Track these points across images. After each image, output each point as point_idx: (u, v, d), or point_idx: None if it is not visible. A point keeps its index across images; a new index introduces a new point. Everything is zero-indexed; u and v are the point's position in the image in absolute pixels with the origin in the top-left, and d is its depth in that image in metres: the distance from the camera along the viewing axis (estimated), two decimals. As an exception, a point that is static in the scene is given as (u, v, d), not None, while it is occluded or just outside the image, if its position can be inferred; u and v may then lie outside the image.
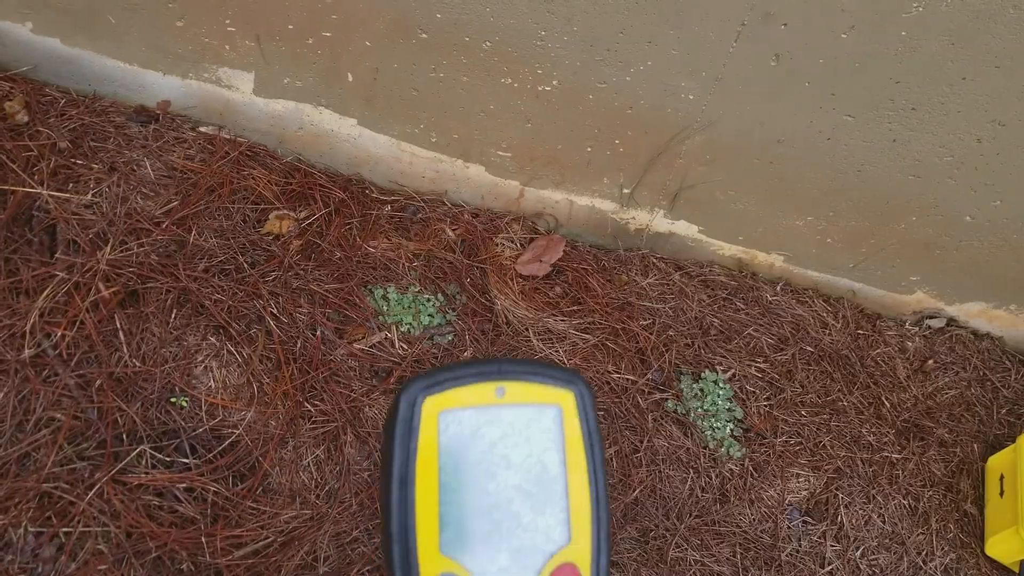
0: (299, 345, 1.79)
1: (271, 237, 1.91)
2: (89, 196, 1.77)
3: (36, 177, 1.74)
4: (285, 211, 1.94)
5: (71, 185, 1.77)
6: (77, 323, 1.63)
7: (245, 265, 1.83)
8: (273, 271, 1.85)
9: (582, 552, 0.51)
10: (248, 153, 1.98)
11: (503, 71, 1.82)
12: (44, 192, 1.73)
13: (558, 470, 0.52)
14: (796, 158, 2.00)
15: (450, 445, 0.50)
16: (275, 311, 1.80)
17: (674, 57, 1.78)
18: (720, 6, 1.67)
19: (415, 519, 0.49)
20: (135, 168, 1.85)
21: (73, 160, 1.80)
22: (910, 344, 2.47)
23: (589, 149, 2.01)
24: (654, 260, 2.32)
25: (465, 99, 1.89)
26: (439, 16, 1.71)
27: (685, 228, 2.26)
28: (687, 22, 1.71)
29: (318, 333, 1.82)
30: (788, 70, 1.79)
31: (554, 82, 1.85)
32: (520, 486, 0.51)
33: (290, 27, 1.75)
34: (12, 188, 1.70)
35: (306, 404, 1.73)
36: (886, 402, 2.29)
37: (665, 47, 1.76)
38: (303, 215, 1.96)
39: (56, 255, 1.68)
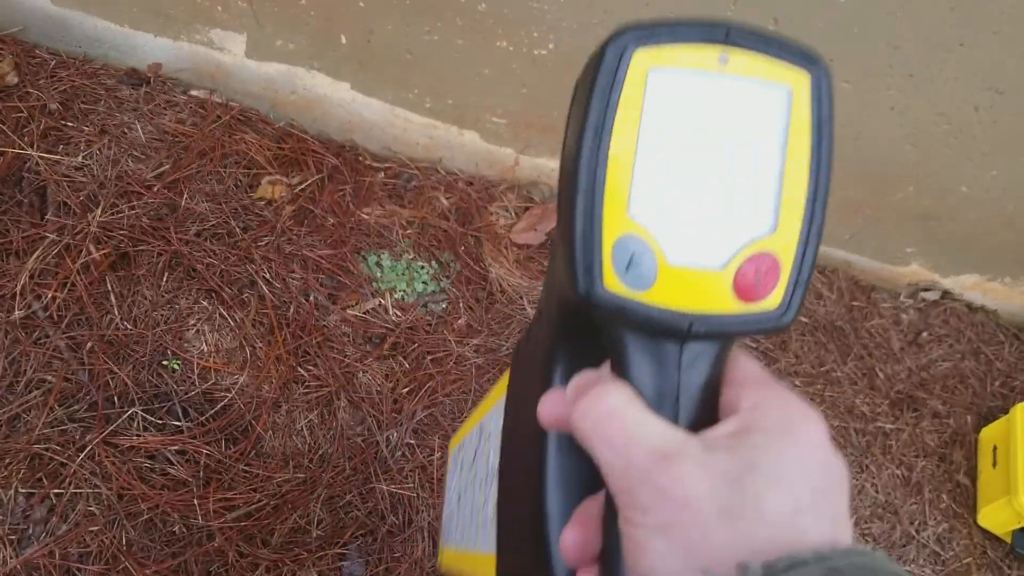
0: (292, 310, 1.78)
1: (263, 202, 1.89)
2: (80, 158, 1.75)
3: (26, 139, 1.72)
4: (277, 176, 1.92)
5: (61, 147, 1.76)
6: (68, 285, 1.61)
7: (237, 230, 1.82)
8: (266, 236, 1.84)
9: (786, 245, 0.45)
10: (240, 117, 1.96)
11: (498, 34, 1.80)
12: (34, 153, 1.71)
13: (777, 154, 0.45)
14: (793, 126, 1.98)
15: (657, 105, 0.44)
16: (268, 276, 1.79)
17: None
18: (718, -32, 1.66)
19: (606, 173, 0.43)
20: (126, 131, 1.83)
21: (63, 122, 1.78)
22: (904, 316, 2.47)
23: (585, 116, 2.00)
24: (649, 230, 2.31)
25: (459, 63, 1.87)
26: (434, -24, 1.69)
27: (681, 198, 2.24)
28: (685, -16, 1.69)
29: (311, 298, 1.81)
30: (786, 32, 1.77)
31: (551, 45, 1.83)
32: (731, 163, 0.44)
33: (283, -13, 1.73)
34: (2, 149, 1.68)
35: (299, 369, 1.72)
36: (880, 373, 2.29)
37: (663, 9, 1.74)
38: (296, 181, 1.94)
39: (46, 216, 1.67)
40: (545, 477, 0.51)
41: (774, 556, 0.37)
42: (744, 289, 0.44)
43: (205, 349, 1.67)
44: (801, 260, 0.45)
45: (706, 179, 0.44)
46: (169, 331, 1.66)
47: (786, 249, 0.45)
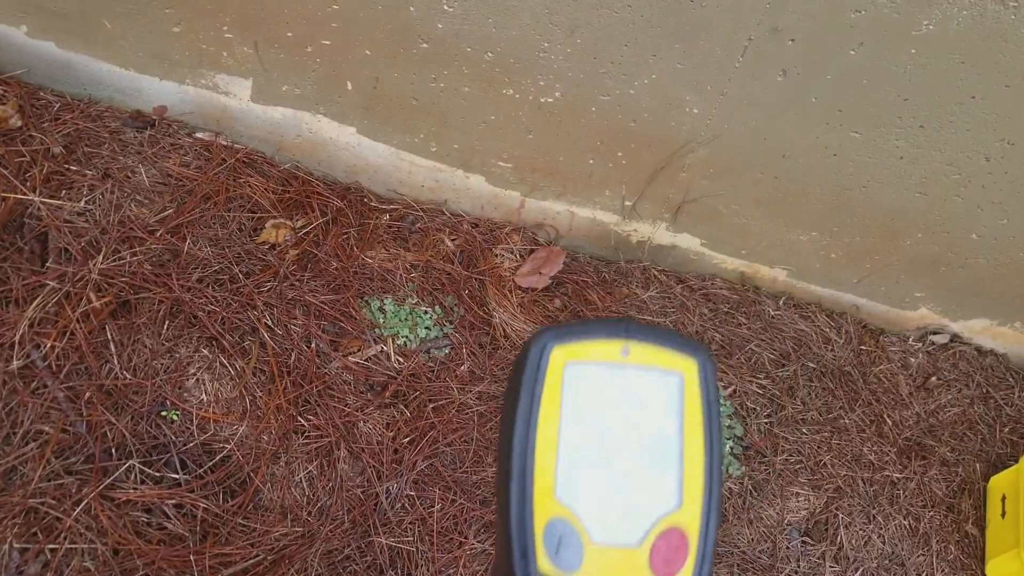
0: (293, 358, 1.76)
1: (267, 246, 1.88)
2: (82, 203, 1.74)
3: (28, 183, 1.71)
4: (281, 220, 1.91)
5: (64, 192, 1.75)
6: (67, 334, 1.60)
7: (240, 275, 1.80)
8: (268, 281, 1.83)
9: (691, 519, 0.51)
10: (245, 160, 1.95)
11: (504, 82, 1.79)
12: (36, 199, 1.70)
13: (675, 435, 0.52)
14: (801, 173, 1.97)
15: (573, 395, 0.51)
16: (269, 322, 1.77)
17: (678, 71, 1.75)
18: (727, 21, 1.64)
19: (534, 461, 0.50)
20: (130, 175, 1.82)
21: (67, 166, 1.78)
22: (913, 360, 2.44)
23: (591, 161, 1.99)
24: (655, 273, 2.29)
25: (466, 109, 1.86)
26: (440, 26, 1.68)
27: (687, 241, 2.23)
28: (693, 36, 1.68)
29: (313, 345, 1.79)
30: (795, 86, 1.76)
31: (556, 94, 1.82)
32: (637, 445, 0.51)
33: (289, 34, 1.72)
34: (3, 195, 1.68)
35: (299, 418, 1.71)
36: (888, 420, 2.26)
37: (669, 61, 1.73)
38: (300, 224, 1.93)
39: (47, 264, 1.66)
40: None
41: None
42: (658, 566, 0.51)
43: (204, 399, 1.66)
44: (706, 533, 0.52)
45: (619, 461, 0.51)
46: (169, 380, 1.64)
47: (691, 523, 0.51)
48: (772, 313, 2.33)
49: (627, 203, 2.11)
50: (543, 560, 0.49)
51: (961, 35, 1.62)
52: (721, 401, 2.10)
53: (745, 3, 1.61)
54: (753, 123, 1.86)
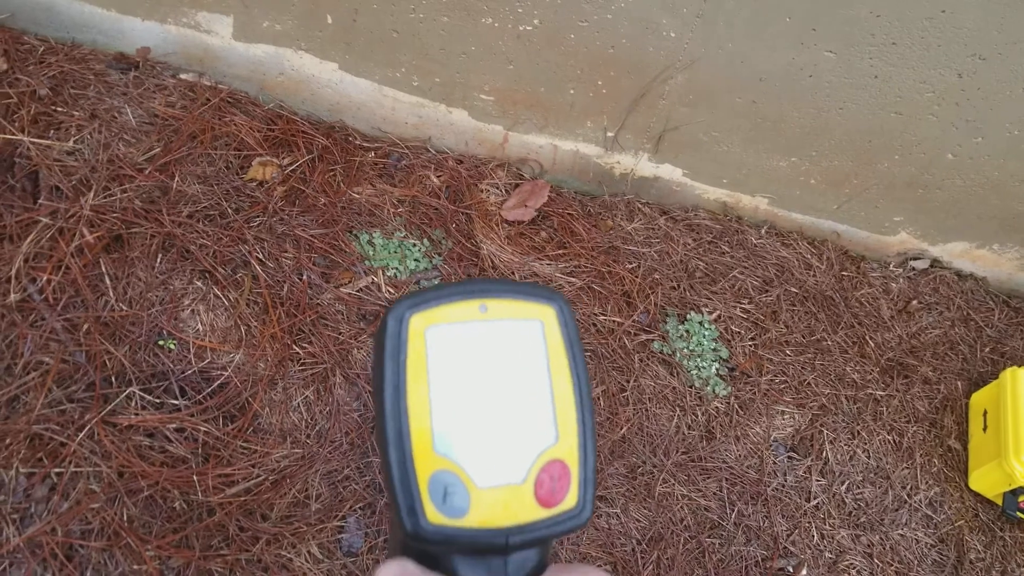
0: (286, 289, 1.79)
1: (254, 183, 1.90)
2: (71, 143, 1.76)
3: (17, 124, 1.73)
4: (268, 157, 1.93)
5: (52, 132, 1.77)
6: (62, 268, 1.63)
7: (229, 211, 1.83)
8: (257, 217, 1.85)
9: (569, 450, 0.54)
10: (229, 100, 1.97)
11: (483, 10, 1.81)
12: (25, 139, 1.72)
13: (543, 376, 0.54)
14: (778, 96, 2.00)
15: (439, 357, 0.53)
16: (261, 256, 1.81)
17: (654, -7, 1.78)
18: (699, -61, 1.67)
19: (409, 424, 0.51)
20: (116, 115, 1.84)
21: (54, 107, 1.80)
22: (894, 285, 2.49)
23: (572, 91, 2.01)
24: (639, 205, 2.33)
25: (445, 40, 1.88)
26: (418, -46, 1.70)
27: (670, 172, 2.26)
28: (667, -44, 1.70)
29: (304, 277, 1.83)
30: (770, 5, 1.79)
31: (535, 21, 1.84)
32: (508, 391, 0.53)
33: (268, -32, 1.74)
34: (-8, 135, 1.70)
35: (294, 347, 1.74)
36: (870, 341, 2.32)
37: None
38: (286, 162, 1.96)
39: (39, 201, 1.68)
40: None
41: None
42: (544, 497, 0.53)
43: (200, 329, 1.69)
44: (584, 460, 0.55)
45: (493, 408, 0.54)
46: (164, 312, 1.67)
47: (570, 453, 0.54)
48: (754, 241, 2.38)
49: (609, 134, 2.14)
50: (432, 512, 0.51)
51: (929, -54, 1.65)
52: (706, 324, 2.15)
53: (717, -80, 1.64)
54: (729, 46, 1.89)
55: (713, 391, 2.06)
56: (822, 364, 2.21)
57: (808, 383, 2.17)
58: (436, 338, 0.53)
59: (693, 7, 1.80)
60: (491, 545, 0.52)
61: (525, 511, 0.53)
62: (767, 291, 2.29)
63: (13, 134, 1.71)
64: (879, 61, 1.89)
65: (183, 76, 1.95)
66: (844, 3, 1.77)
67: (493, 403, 0.54)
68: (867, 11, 1.79)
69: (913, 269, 2.54)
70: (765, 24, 1.82)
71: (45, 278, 1.61)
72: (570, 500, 0.54)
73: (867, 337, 2.32)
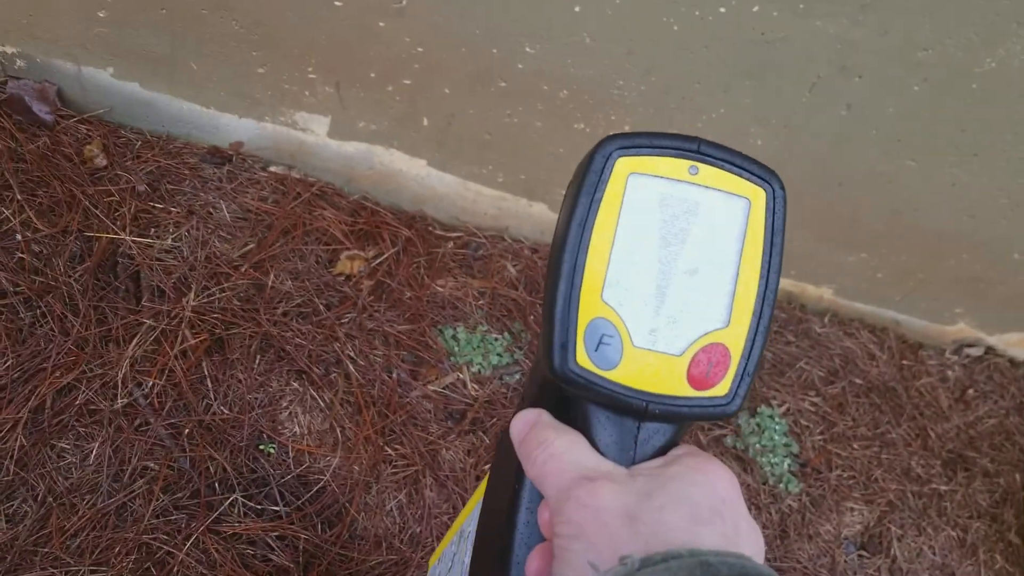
0: (377, 388, 1.81)
1: (343, 277, 1.93)
2: (170, 240, 1.78)
3: (119, 223, 1.75)
4: (355, 251, 1.96)
5: (152, 230, 1.79)
6: (167, 371, 1.64)
7: (321, 307, 1.85)
8: (348, 313, 1.87)
9: (737, 338, 0.52)
10: (318, 193, 1.99)
11: (577, 117, 1.85)
12: (127, 237, 1.74)
13: (733, 258, 0.52)
14: (856, 199, 2.04)
15: (634, 206, 0.51)
16: (352, 354, 1.82)
17: (747, 106, 1.81)
18: (798, 60, 1.71)
19: (586, 261, 0.50)
20: (212, 211, 1.86)
21: (152, 204, 1.82)
22: (950, 373, 2.52)
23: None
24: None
25: (536, 142, 1.91)
26: (521, 67, 1.73)
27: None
28: (763, 73, 1.74)
29: (394, 375, 1.84)
30: (857, 118, 1.82)
31: (625, 127, 1.87)
32: (692, 262, 0.51)
33: (372, 75, 1.77)
34: (97, 235, 1.72)
35: (386, 448, 1.76)
36: (931, 433, 2.34)
37: (739, 97, 1.79)
38: (371, 254, 1.98)
39: (142, 302, 1.70)
40: (516, 523, 0.59)
41: (657, 552, 0.43)
42: (697, 376, 0.52)
43: (298, 431, 1.71)
44: (749, 353, 0.52)
45: (671, 274, 0.52)
46: (264, 414, 1.69)
47: (736, 343, 0.52)
48: (818, 331, 2.40)
49: (683, 228, 2.16)
50: (582, 355, 0.50)
51: (1022, 71, 1.69)
52: (776, 418, 2.17)
53: (817, 43, 1.68)
54: (813, 153, 1.92)
55: (786, 488, 2.08)
56: (888, 458, 2.24)
57: (875, 478, 2.19)
58: (637, 187, 0.51)
59: (782, 119, 1.84)
60: (629, 406, 0.51)
61: (673, 384, 0.51)
62: (832, 383, 2.32)
63: (116, 233, 1.73)
64: (959, 170, 1.93)
65: (273, 169, 1.98)
66: (931, 119, 1.81)
67: (674, 269, 0.52)
68: (954, 126, 1.83)
69: (968, 356, 2.57)
70: (851, 135, 1.86)
71: (151, 382, 1.62)
72: (722, 387, 0.52)
73: (929, 429, 2.34)
